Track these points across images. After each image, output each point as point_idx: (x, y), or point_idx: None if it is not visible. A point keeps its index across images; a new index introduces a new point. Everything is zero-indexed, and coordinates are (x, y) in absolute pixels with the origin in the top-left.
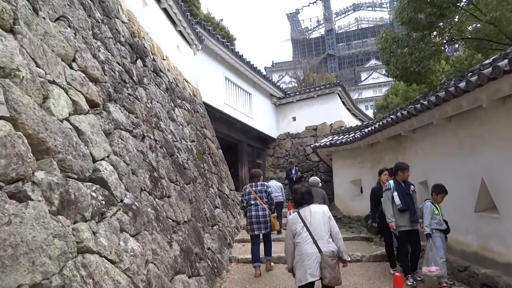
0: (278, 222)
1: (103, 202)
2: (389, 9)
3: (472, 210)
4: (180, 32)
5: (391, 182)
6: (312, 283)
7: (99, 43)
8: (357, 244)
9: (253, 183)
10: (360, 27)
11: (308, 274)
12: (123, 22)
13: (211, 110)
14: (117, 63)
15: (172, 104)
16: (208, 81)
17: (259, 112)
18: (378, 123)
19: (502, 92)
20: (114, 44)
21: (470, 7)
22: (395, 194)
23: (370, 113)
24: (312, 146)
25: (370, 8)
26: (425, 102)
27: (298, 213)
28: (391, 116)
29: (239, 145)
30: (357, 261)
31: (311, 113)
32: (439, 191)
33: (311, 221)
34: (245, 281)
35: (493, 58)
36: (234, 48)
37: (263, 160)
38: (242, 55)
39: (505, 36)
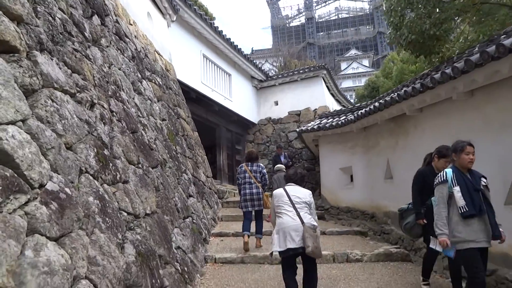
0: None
1: None
2: (368, 0)
3: (502, 202)
4: None
5: (449, 171)
6: (294, 255)
7: None
8: (351, 239)
9: (249, 163)
10: (340, 17)
11: (287, 241)
12: None
13: (186, 90)
14: (60, 9)
15: (139, 75)
16: (183, 57)
17: (239, 95)
18: (378, 102)
19: None
20: None
21: None
22: (457, 189)
23: None
24: (298, 130)
25: None
26: (448, 71)
27: (284, 188)
28: (398, 92)
29: (217, 130)
30: (357, 261)
31: (294, 98)
32: None
33: (296, 196)
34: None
35: None
36: (213, 23)
37: (242, 146)
38: (222, 31)
39: None
